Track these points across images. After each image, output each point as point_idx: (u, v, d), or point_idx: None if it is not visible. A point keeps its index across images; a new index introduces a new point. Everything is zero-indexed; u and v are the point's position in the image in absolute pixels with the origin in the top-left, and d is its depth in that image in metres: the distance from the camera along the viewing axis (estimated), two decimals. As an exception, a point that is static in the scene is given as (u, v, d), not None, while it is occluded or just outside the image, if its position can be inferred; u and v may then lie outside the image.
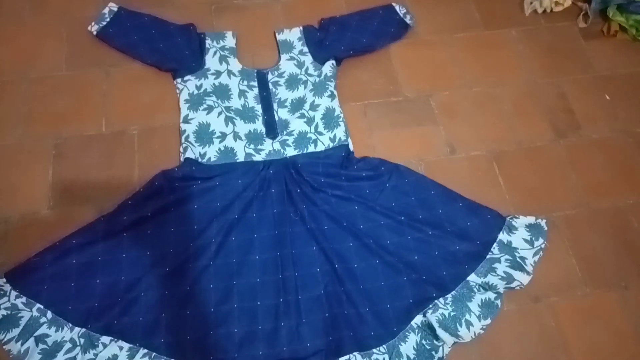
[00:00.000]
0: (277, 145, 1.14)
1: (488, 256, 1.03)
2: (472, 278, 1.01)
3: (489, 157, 1.20)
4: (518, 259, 1.02)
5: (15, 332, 0.90)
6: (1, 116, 1.15)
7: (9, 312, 0.91)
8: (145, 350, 0.91)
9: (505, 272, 1.00)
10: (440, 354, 0.94)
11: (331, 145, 1.15)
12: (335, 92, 1.22)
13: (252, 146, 1.13)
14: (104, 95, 1.20)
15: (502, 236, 1.05)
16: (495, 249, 1.04)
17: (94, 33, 1.24)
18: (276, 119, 1.17)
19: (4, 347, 0.89)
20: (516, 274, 1.00)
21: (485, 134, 1.23)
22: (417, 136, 1.21)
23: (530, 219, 1.07)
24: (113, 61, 1.24)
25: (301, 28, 1.30)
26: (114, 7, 1.28)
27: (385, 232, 1.06)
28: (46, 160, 1.11)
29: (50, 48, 1.25)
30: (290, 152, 1.13)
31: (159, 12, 1.29)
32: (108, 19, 1.26)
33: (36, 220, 1.04)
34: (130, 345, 0.91)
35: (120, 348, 0.91)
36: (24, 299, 0.92)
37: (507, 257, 1.02)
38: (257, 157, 1.12)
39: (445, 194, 1.11)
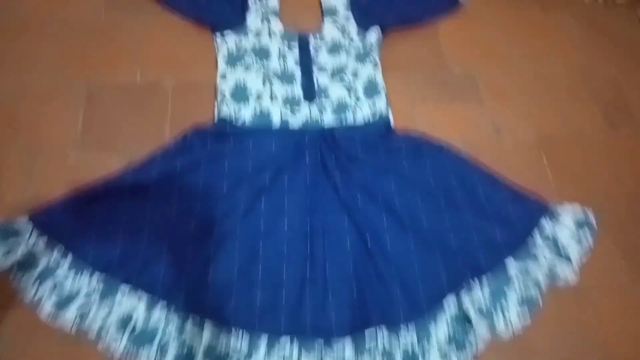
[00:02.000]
0: (314, 110, 1.09)
1: (528, 242, 0.97)
2: (511, 263, 0.95)
3: (536, 141, 1.13)
4: (561, 248, 0.96)
5: (34, 273, 0.87)
6: (32, 54, 1.12)
7: (30, 250, 0.88)
8: (165, 302, 0.87)
9: (548, 264, 0.94)
10: (472, 338, 0.89)
11: (370, 114, 1.10)
12: (379, 62, 1.16)
13: (288, 107, 1.08)
14: (140, 44, 1.16)
15: (545, 223, 0.99)
16: (536, 235, 0.98)
17: (135, -19, 1.21)
18: (315, 83, 1.12)
19: (20, 290, 0.86)
20: (561, 268, 0.94)
21: (534, 118, 1.16)
22: (461, 114, 1.15)
23: (576, 208, 1.01)
24: (152, 9, 1.19)
25: (348, -7, 1.25)
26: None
27: (422, 210, 1.00)
28: (77, 105, 1.07)
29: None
30: (328, 118, 1.08)
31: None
32: (151, -32, 1.22)
33: (63, 162, 1.01)
34: (149, 296, 0.88)
35: (139, 298, 0.88)
36: (45, 239, 0.89)
37: (550, 245, 0.96)
38: (293, 120, 1.07)
39: (487, 177, 1.05)
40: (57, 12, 1.18)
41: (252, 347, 0.85)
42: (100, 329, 0.85)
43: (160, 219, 0.95)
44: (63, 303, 0.85)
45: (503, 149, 1.12)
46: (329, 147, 1.05)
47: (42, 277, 0.87)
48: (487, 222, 0.99)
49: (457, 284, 0.93)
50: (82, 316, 0.85)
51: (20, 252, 0.87)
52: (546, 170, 1.10)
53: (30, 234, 0.89)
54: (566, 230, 0.98)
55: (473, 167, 1.06)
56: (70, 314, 0.85)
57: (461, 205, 1.01)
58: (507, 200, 1.02)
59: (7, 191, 0.97)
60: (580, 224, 0.98)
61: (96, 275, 0.88)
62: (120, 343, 0.84)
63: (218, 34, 1.16)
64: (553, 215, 1.00)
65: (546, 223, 0.99)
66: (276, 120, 1.07)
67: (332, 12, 1.22)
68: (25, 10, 1.18)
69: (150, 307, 0.87)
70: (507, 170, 1.06)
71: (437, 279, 0.94)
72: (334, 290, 0.91)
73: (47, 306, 0.85)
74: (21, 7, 1.18)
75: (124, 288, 0.88)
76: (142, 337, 0.85)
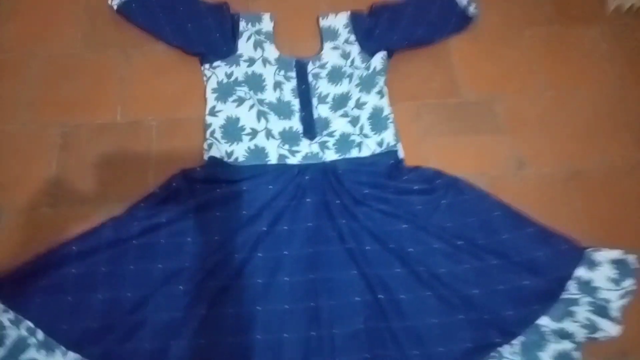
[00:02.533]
0: (315, 148, 0.98)
1: (563, 296, 0.85)
2: (545, 322, 0.83)
3: (564, 175, 1.02)
4: (601, 302, 0.84)
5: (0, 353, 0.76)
6: (5, 97, 1.02)
7: (-7, 328, 0.77)
8: (150, 383, 0.76)
9: (587, 319, 0.82)
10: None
11: (378, 150, 0.98)
12: (385, 89, 1.05)
13: (286, 147, 0.97)
14: (121, 80, 1.05)
15: (581, 272, 0.87)
16: (571, 287, 0.86)
17: (115, 8, 1.09)
18: (315, 116, 1.01)
19: (-14, 368, 0.76)
20: (601, 322, 0.82)
21: (560, 148, 1.04)
22: (478, 146, 1.04)
23: (616, 253, 0.88)
24: (134, 42, 1.09)
25: (349, 13, 1.13)
26: (139, -21, 1.13)
27: (439, 258, 0.89)
28: (51, 150, 0.97)
29: (64, 24, 1.11)
30: (330, 155, 0.97)
31: (188, -12, 1.14)
32: (132, -7, 1.11)
33: (35, 218, 0.91)
34: (132, 378, 0.77)
35: (120, 381, 0.77)
36: (11, 315, 0.79)
37: (587, 298, 0.84)
38: (292, 160, 0.96)
39: (511, 217, 0.93)
40: (32, 48, 1.08)
41: None
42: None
43: (142, 282, 0.84)
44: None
45: (526, 185, 1.01)
46: (332, 187, 0.94)
47: (9, 357, 0.76)
48: (514, 272, 0.88)
49: (484, 349, 0.82)
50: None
51: (-17, 329, 0.76)
52: (576, 209, 0.99)
53: (-7, 307, 0.79)
54: (606, 280, 0.86)
55: (494, 205, 0.95)
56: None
57: (483, 252, 0.90)
58: (535, 244, 0.91)
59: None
60: (622, 273, 0.86)
61: (70, 355, 0.77)
62: None
63: (207, 65, 1.05)
64: (590, 263, 0.88)
65: (582, 272, 0.87)
66: (273, 158, 0.96)
67: (333, 34, 1.11)
68: (2, 45, 1.08)
69: (133, 388, 0.76)
70: (532, 209, 0.95)
71: (461, 341, 0.84)
72: (342, 350, 0.82)
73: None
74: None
75: (102, 369, 0.77)
76: None
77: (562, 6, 1.22)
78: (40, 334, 0.78)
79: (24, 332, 0.78)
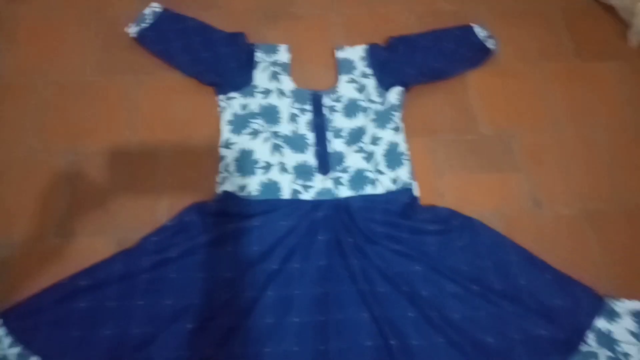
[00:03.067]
0: (328, 183, 0.96)
1: (582, 348, 0.83)
2: (561, 374, 0.81)
3: (583, 216, 0.99)
4: (620, 356, 0.81)
5: (4, 390, 0.75)
6: (13, 123, 1.01)
7: (-1, 361, 0.76)
8: None
9: None
10: None
11: (393, 187, 0.97)
12: (401, 125, 1.04)
13: (299, 181, 0.96)
14: (133, 107, 1.04)
15: (600, 323, 0.85)
16: (590, 339, 0.83)
17: (132, 35, 1.09)
18: (330, 150, 1.00)
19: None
20: (621, 378, 0.79)
21: (579, 188, 1.02)
22: (494, 183, 1.02)
23: (637, 304, 0.86)
24: (148, 69, 1.08)
25: (365, 46, 1.13)
26: (157, 7, 1.13)
27: (453, 302, 0.87)
28: (58, 179, 0.96)
29: (77, 48, 1.11)
30: (344, 192, 0.96)
31: (205, 17, 1.13)
32: (149, 21, 1.11)
33: (42, 249, 0.90)
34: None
35: (124, 422, 0.75)
36: (18, 349, 0.78)
37: (607, 352, 0.82)
38: (305, 196, 0.95)
39: (528, 261, 0.91)
40: (43, 73, 1.07)
41: None
42: None
43: (150, 319, 0.83)
44: None
45: (543, 225, 0.99)
46: (344, 225, 0.92)
47: (12, 395, 0.75)
48: (530, 319, 0.86)
49: (498, 401, 0.79)
50: None
51: (-12, 364, 0.75)
52: (594, 251, 0.96)
53: (1, 340, 0.78)
54: (626, 333, 0.83)
55: (510, 249, 0.93)
56: None
57: (499, 297, 0.88)
58: (553, 291, 0.88)
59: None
60: (643, 326, 0.84)
61: (76, 394, 0.76)
62: None
63: (221, 96, 1.04)
64: (609, 314, 0.85)
65: (601, 323, 0.84)
66: (286, 193, 0.95)
67: (349, 67, 1.10)
68: (10, 70, 1.07)
69: None
70: (549, 251, 0.93)
71: (473, 392, 0.80)
72: None
73: None
74: (10, 65, 1.08)
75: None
76: None
77: (582, 41, 1.21)
78: (46, 371, 0.77)
79: (29, 368, 0.77)
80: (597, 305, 0.86)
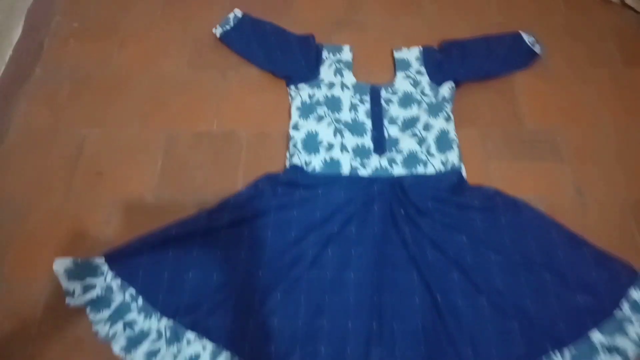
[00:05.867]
0: (384, 162, 1.08)
1: (616, 314, 0.89)
2: (596, 336, 0.87)
3: (624, 206, 1.05)
4: (654, 323, 0.87)
5: (106, 313, 0.90)
6: (122, 108, 1.20)
7: (103, 293, 0.91)
8: (229, 353, 0.87)
9: (638, 335, 0.86)
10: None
11: (443, 169, 1.07)
12: (452, 115, 1.15)
13: (358, 160, 1.08)
14: (218, 97, 1.21)
15: (635, 293, 0.91)
16: (625, 306, 0.90)
17: (218, 35, 1.28)
18: (386, 135, 1.12)
19: (93, 327, 0.89)
20: (653, 341, 0.85)
21: (621, 182, 1.09)
22: (539, 172, 1.10)
23: (672, 279, 0.92)
24: (231, 65, 1.26)
25: (420, 48, 1.26)
26: (239, 13, 1.31)
27: (496, 270, 0.95)
28: (157, 152, 1.13)
29: (174, 49, 1.30)
30: (398, 170, 1.07)
31: (280, 24, 1.31)
32: (232, 24, 1.29)
33: (141, 206, 1.05)
34: (214, 345, 0.88)
35: (204, 347, 0.88)
36: (119, 281, 0.93)
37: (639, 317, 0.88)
38: (362, 172, 1.07)
39: (568, 238, 0.99)
40: (145, 68, 1.27)
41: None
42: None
43: (228, 266, 0.96)
44: (134, 342, 0.87)
45: (586, 214, 1.05)
46: (398, 198, 1.03)
47: (114, 317, 0.90)
48: (568, 288, 0.93)
49: (536, 356, 0.86)
50: (151, 355, 0.86)
51: (96, 292, 0.90)
52: (635, 238, 1.02)
53: (106, 274, 0.93)
54: (661, 302, 0.89)
55: (552, 225, 1.00)
56: (140, 352, 0.86)
57: (539, 268, 0.95)
58: (591, 264, 0.95)
59: (88, 234, 1.02)
60: (677, 297, 0.89)
61: (164, 321, 0.89)
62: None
63: (292, 86, 1.19)
64: (644, 285, 0.91)
65: (636, 293, 0.91)
66: (346, 169, 1.07)
67: (405, 65, 1.23)
68: (122, 66, 1.28)
69: (214, 356, 0.87)
70: (590, 236, 0.98)
71: (513, 347, 0.88)
72: (401, 347, 0.88)
73: (120, 343, 0.87)
74: (120, 63, 1.29)
75: (190, 335, 0.89)
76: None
77: (628, 48, 1.28)
78: (140, 300, 0.91)
79: (127, 298, 0.91)
80: (633, 277, 0.92)
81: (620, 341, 0.86)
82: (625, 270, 0.94)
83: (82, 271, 0.93)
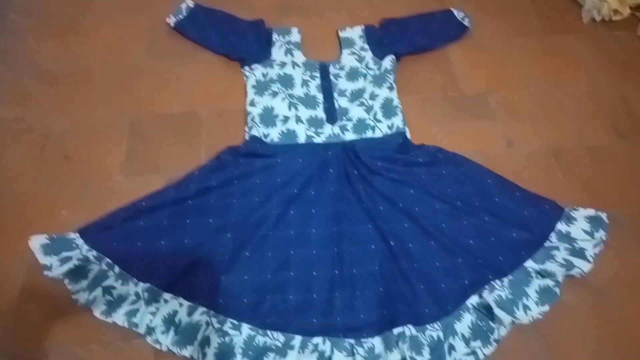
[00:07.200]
0: (336, 130, 1.18)
1: (546, 244, 1.02)
2: (530, 264, 0.99)
3: (548, 152, 1.19)
4: (577, 249, 1.00)
5: (84, 283, 0.95)
6: (86, 95, 1.25)
7: (80, 264, 0.95)
8: (204, 309, 0.94)
9: (564, 259, 0.99)
10: (496, 335, 0.93)
11: (389, 132, 1.18)
12: (394, 85, 1.26)
13: (312, 129, 1.17)
14: (177, 80, 1.28)
15: (561, 226, 1.04)
16: (553, 238, 1.03)
17: (172, 24, 1.35)
18: (336, 106, 1.22)
19: (73, 296, 0.94)
20: (576, 261, 0.98)
21: (545, 131, 1.23)
22: (474, 130, 1.23)
23: (590, 211, 1.05)
24: (187, 51, 1.33)
25: (363, 27, 1.37)
26: (190, 3, 1.38)
27: (441, 216, 1.06)
28: (122, 135, 1.19)
29: (133, 40, 1.36)
30: (349, 136, 1.17)
31: (231, 12, 1.39)
32: (185, 13, 1.36)
33: (110, 186, 1.11)
34: (190, 303, 0.94)
35: (181, 305, 0.94)
36: (94, 253, 0.97)
37: (566, 245, 1.01)
38: (317, 140, 1.16)
39: (502, 183, 1.11)
40: (107, 57, 1.32)
41: (287, 346, 0.91)
42: (149, 324, 0.92)
43: (197, 232, 1.02)
44: (113, 305, 0.93)
45: (516, 161, 1.18)
46: (351, 160, 1.13)
47: (92, 285, 0.95)
48: (505, 226, 1.04)
49: (479, 284, 0.97)
50: (131, 314, 0.93)
51: (73, 262, 0.95)
52: (559, 180, 1.15)
53: (81, 247, 0.98)
54: (581, 232, 1.02)
55: (487, 174, 1.13)
56: (120, 313, 0.93)
57: (479, 211, 1.07)
58: (523, 205, 1.07)
59: (59, 215, 1.07)
60: (595, 227, 1.03)
61: (141, 285, 0.95)
62: (167, 336, 0.91)
63: (246, 67, 1.27)
64: (568, 218, 1.04)
65: (562, 226, 1.04)
66: (302, 138, 1.16)
67: (350, 43, 1.33)
68: (83, 58, 1.33)
69: (190, 312, 0.94)
70: (520, 180, 1.11)
71: (460, 279, 0.98)
72: (362, 290, 0.97)
73: (100, 308, 0.93)
74: (82, 55, 1.33)
75: (166, 295, 0.95)
76: (186, 332, 0.92)
77: (546, 19, 1.44)
78: (116, 269, 0.96)
79: (104, 267, 0.97)
80: (559, 213, 1.06)
81: (550, 266, 0.98)
82: (552, 207, 1.07)
83: (58, 245, 0.97)
